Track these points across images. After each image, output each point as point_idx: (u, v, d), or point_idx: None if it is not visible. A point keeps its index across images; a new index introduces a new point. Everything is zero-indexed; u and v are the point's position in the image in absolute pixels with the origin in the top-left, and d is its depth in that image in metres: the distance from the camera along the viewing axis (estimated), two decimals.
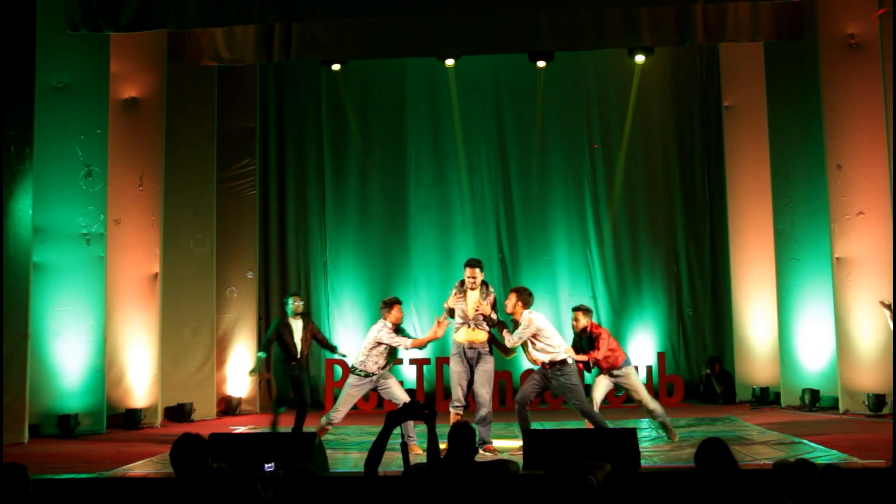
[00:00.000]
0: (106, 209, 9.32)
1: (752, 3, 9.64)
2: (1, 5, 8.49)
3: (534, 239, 12.10)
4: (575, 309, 8.08)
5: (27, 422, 8.53)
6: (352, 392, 7.69)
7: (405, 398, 7.63)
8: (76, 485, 6.14)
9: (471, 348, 7.47)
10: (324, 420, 7.77)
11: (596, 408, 7.73)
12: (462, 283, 7.60)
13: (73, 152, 9.19)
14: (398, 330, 7.70)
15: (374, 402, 10.88)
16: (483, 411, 7.43)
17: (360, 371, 7.65)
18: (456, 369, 7.53)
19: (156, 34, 9.81)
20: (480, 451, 7.10)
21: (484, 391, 7.45)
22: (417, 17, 9.79)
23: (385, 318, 7.69)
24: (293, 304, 8.48)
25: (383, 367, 7.68)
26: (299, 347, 8.36)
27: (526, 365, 11.60)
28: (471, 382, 7.52)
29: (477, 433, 7.28)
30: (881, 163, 9.13)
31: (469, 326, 7.47)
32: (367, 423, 9.50)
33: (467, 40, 10.26)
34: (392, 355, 7.78)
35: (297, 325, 8.41)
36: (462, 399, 7.49)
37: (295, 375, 8.38)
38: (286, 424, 8.37)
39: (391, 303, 7.79)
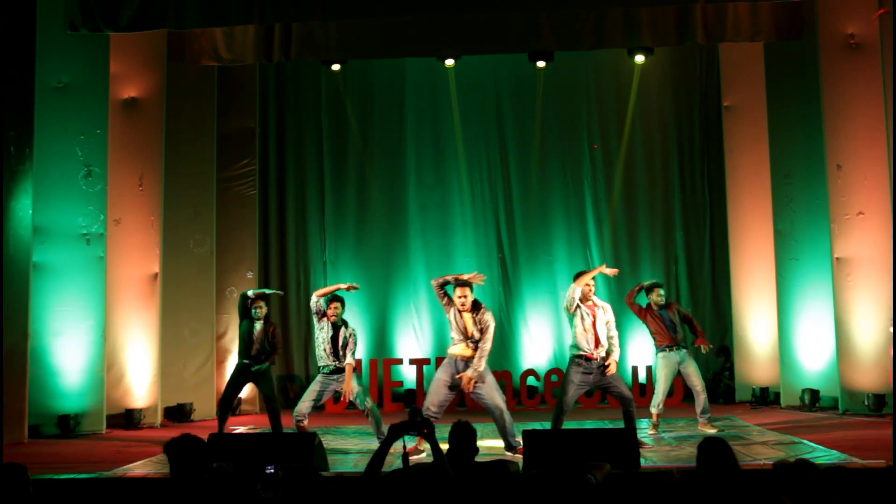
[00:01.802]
0: (106, 209, 9.31)
1: (751, 3, 9.64)
2: (1, 5, 8.49)
3: (534, 239, 12.09)
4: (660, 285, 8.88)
5: (27, 422, 8.53)
6: (313, 386, 7.86)
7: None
8: (76, 485, 6.14)
9: (462, 360, 7.36)
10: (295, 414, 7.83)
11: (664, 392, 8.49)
12: (452, 301, 7.37)
13: (72, 152, 9.18)
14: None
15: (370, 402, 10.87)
16: (508, 418, 7.33)
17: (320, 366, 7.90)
18: (442, 377, 7.31)
19: (156, 34, 9.81)
20: (511, 455, 7.09)
21: (501, 402, 7.35)
22: (417, 17, 9.78)
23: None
24: (260, 311, 8.46)
25: (332, 362, 7.76)
26: (255, 346, 8.39)
27: (526, 365, 11.61)
28: (452, 390, 7.37)
29: (508, 441, 7.27)
30: (881, 163, 9.13)
31: (467, 345, 7.31)
32: (366, 423, 9.47)
33: (467, 40, 10.27)
34: (334, 350, 7.78)
35: (258, 325, 8.44)
36: (438, 409, 7.23)
37: (245, 377, 8.43)
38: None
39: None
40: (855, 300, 9.27)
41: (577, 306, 7.62)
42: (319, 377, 7.88)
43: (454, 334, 7.36)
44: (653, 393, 8.78)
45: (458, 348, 7.33)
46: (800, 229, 10.20)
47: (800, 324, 10.15)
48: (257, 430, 9.21)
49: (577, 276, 7.72)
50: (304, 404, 7.78)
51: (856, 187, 9.35)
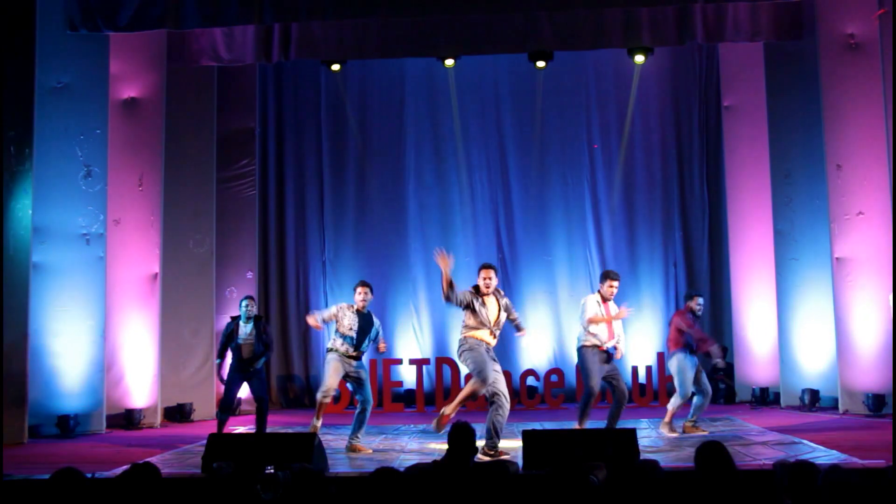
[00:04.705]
0: (106, 209, 9.32)
1: (751, 3, 9.64)
2: (1, 5, 8.50)
3: (534, 239, 12.09)
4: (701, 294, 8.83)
5: (27, 422, 8.53)
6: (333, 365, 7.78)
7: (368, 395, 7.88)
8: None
9: (490, 347, 7.33)
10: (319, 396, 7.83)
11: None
12: (476, 288, 7.34)
13: (72, 152, 9.19)
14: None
15: (374, 401, 10.85)
16: (504, 414, 7.29)
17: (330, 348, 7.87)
18: (495, 366, 7.26)
19: (155, 34, 9.81)
20: (489, 453, 7.06)
21: (506, 392, 7.35)
22: (417, 17, 9.79)
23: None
24: (249, 310, 8.37)
25: (351, 348, 7.77)
26: (247, 349, 8.30)
27: (526, 365, 11.60)
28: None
29: (488, 435, 7.23)
30: (881, 163, 9.14)
31: (491, 333, 7.29)
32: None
33: (467, 40, 10.25)
34: (355, 339, 7.78)
35: (247, 327, 8.33)
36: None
37: (242, 376, 8.35)
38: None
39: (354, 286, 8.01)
40: (855, 300, 9.27)
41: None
42: (336, 359, 7.79)
43: (475, 322, 7.23)
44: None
45: (482, 333, 7.25)
46: (800, 229, 10.20)
47: (799, 324, 10.15)
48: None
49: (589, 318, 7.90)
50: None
51: (856, 187, 9.35)
